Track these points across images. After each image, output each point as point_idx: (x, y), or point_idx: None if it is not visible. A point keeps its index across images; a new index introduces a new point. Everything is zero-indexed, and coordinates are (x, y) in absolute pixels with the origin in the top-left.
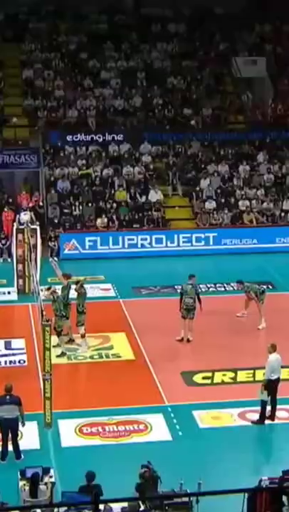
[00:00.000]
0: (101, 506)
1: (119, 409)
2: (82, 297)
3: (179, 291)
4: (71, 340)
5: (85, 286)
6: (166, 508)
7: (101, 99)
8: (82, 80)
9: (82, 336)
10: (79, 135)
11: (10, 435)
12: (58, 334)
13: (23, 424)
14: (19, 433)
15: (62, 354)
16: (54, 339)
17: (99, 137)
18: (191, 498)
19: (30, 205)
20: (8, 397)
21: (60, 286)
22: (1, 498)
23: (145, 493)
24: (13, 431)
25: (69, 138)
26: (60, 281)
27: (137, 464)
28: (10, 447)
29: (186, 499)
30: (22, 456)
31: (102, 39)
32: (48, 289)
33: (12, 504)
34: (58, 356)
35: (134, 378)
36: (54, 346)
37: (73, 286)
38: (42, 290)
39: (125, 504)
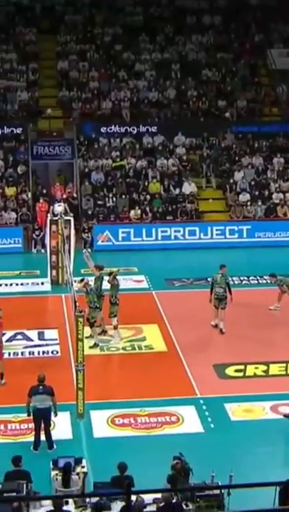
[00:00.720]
0: (133, 497)
1: (151, 401)
2: (115, 288)
3: (209, 280)
4: (104, 332)
5: (118, 277)
6: (198, 500)
7: (135, 91)
8: (117, 72)
9: (115, 327)
10: (113, 127)
11: (42, 425)
12: (91, 325)
13: (56, 415)
14: (52, 423)
15: (95, 345)
16: (87, 330)
17: (133, 129)
18: (223, 491)
19: (64, 196)
20: (41, 387)
21: (92, 278)
22: (33, 488)
23: (176, 485)
24: (45, 421)
25: (103, 129)
26: (92, 273)
27: (169, 455)
28: (42, 437)
29: (217, 491)
30: (54, 446)
31: (137, 31)
32: (81, 281)
33: (44, 493)
34: (90, 347)
35: (167, 370)
36: (87, 337)
37: (106, 278)
38: (75, 281)
39: (157, 495)
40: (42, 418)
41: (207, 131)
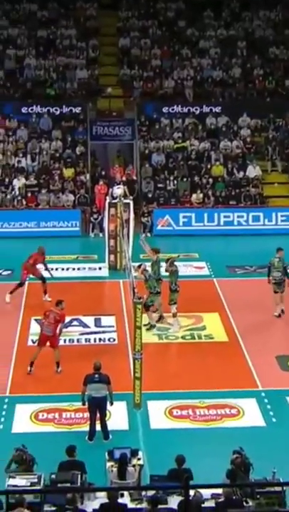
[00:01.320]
0: (190, 492)
1: (211, 393)
2: (174, 275)
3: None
4: (161, 318)
5: (178, 263)
6: (258, 496)
7: (199, 69)
8: (180, 49)
9: (174, 315)
10: (175, 107)
11: (98, 415)
12: (147, 309)
13: (112, 404)
14: (107, 413)
15: (152, 327)
16: (145, 317)
17: (196, 109)
18: (284, 488)
19: (124, 178)
20: (96, 375)
21: (149, 263)
22: (87, 479)
23: (236, 481)
24: (101, 410)
25: (165, 109)
26: (150, 258)
27: (228, 449)
28: (98, 427)
29: (278, 488)
30: (110, 436)
31: (201, 6)
32: (139, 267)
33: (99, 485)
34: (147, 329)
35: (227, 361)
36: (145, 325)
37: (163, 264)
38: (134, 267)
39: (215, 490)
40: (97, 407)
41: (273, 112)
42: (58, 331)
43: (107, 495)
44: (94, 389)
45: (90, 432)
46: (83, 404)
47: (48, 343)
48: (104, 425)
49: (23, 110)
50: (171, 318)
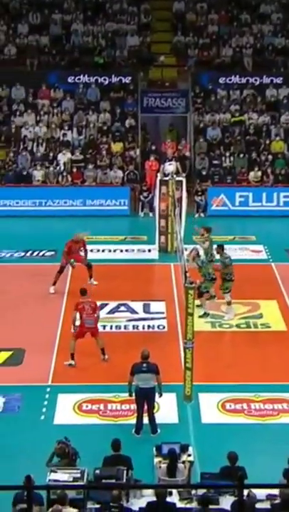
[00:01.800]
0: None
1: (267, 386)
2: (229, 266)
3: None
4: (212, 297)
5: (234, 246)
6: None
7: (259, 37)
8: (239, 14)
9: (229, 303)
10: (233, 77)
11: (145, 407)
12: (200, 295)
13: (160, 395)
14: (155, 405)
15: (205, 315)
16: (197, 302)
17: (255, 80)
18: None
19: (176, 154)
20: (144, 364)
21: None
22: (134, 475)
23: None
24: (149, 402)
25: (221, 80)
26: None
27: (286, 447)
28: (145, 420)
29: None
30: (158, 430)
31: None
32: (190, 253)
33: (146, 482)
34: (200, 317)
35: (285, 352)
36: (197, 306)
37: (214, 246)
38: (186, 249)
39: (270, 491)
40: (145, 399)
41: None
42: (97, 318)
43: (154, 493)
44: (142, 379)
45: (136, 425)
46: (130, 395)
47: (86, 334)
48: (152, 418)
49: (70, 80)
50: (225, 305)
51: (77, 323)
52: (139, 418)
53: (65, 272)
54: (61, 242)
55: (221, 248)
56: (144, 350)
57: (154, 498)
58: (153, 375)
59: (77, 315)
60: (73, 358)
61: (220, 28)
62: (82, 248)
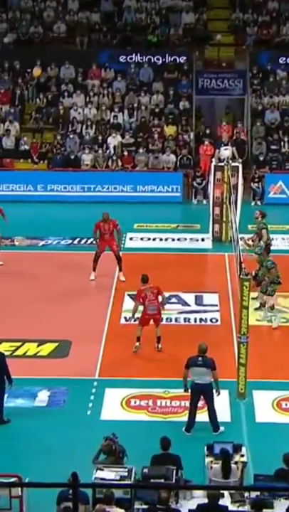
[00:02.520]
0: None
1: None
2: (269, 270)
3: None
4: (272, 308)
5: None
6: None
7: None
8: None
9: (272, 308)
10: None
11: (201, 403)
12: (258, 284)
13: (218, 393)
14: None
15: (261, 306)
16: (252, 295)
17: None
18: None
19: (233, 138)
20: (200, 358)
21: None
22: (184, 475)
23: None
24: (206, 398)
25: (281, 60)
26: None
27: None
28: (202, 418)
29: None
30: (221, 427)
31: None
32: (246, 242)
33: (196, 483)
34: (256, 309)
35: None
36: (253, 298)
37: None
38: (241, 239)
39: None
40: (200, 395)
41: None
42: (161, 305)
43: (206, 494)
44: (196, 373)
45: (188, 423)
46: (185, 390)
47: (151, 322)
48: (212, 415)
49: (121, 59)
50: (267, 311)
51: (137, 315)
52: (191, 415)
53: (115, 263)
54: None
55: (267, 251)
56: (202, 343)
57: (205, 500)
58: (208, 370)
59: (139, 304)
60: (139, 340)
61: (280, 5)
62: (114, 229)
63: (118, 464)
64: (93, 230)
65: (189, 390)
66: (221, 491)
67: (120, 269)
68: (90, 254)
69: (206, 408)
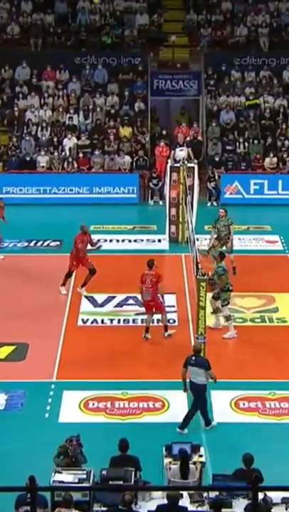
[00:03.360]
0: (259, 495)
1: (283, 383)
2: (220, 276)
3: None
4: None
5: (248, 236)
6: None
7: (276, 15)
8: None
9: (228, 318)
10: (248, 58)
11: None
12: (212, 289)
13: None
14: (165, 403)
15: (215, 312)
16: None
17: (272, 61)
18: None
19: (189, 139)
20: (193, 357)
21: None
22: (143, 476)
23: None
24: (200, 398)
25: (236, 61)
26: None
27: None
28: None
29: None
30: (213, 422)
31: None
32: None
33: (155, 484)
34: (212, 313)
35: None
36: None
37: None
38: (198, 239)
39: (287, 494)
40: (194, 394)
41: None
42: (158, 293)
43: (166, 496)
44: (191, 372)
45: (184, 420)
46: (184, 390)
47: (154, 310)
48: (190, 416)
49: (76, 61)
50: (222, 319)
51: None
52: (189, 413)
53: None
54: (66, 231)
55: (221, 257)
56: (196, 343)
57: (164, 501)
58: (202, 370)
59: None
60: (147, 331)
61: (234, 6)
62: (89, 241)
63: (74, 467)
64: (74, 249)
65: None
66: (180, 492)
67: (84, 284)
68: (47, 256)
69: (164, 408)
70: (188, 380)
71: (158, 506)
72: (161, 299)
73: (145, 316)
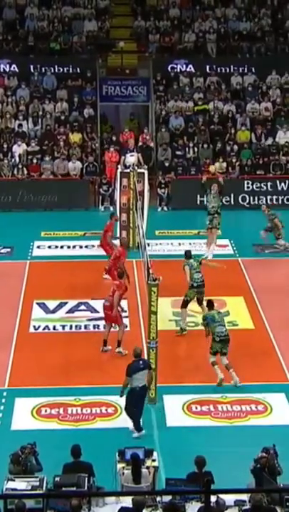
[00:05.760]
0: (212, 498)
1: (234, 387)
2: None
3: None
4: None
5: (199, 241)
6: (288, 504)
7: (223, 21)
8: None
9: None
10: (196, 63)
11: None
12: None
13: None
14: (118, 408)
15: (181, 330)
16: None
17: (219, 67)
18: None
19: (140, 143)
20: (141, 362)
21: None
22: (96, 482)
23: (262, 484)
24: (143, 399)
25: (184, 67)
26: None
27: (254, 450)
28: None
29: None
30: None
31: None
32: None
33: (109, 489)
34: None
35: (253, 350)
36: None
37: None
38: (148, 244)
39: (239, 496)
40: (139, 399)
41: None
42: (114, 302)
43: (132, 502)
44: (139, 378)
45: (137, 423)
46: (121, 396)
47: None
48: (139, 416)
49: (24, 67)
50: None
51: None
52: (137, 415)
53: (22, 271)
54: (17, 238)
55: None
56: (136, 347)
57: (118, 506)
58: (146, 371)
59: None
60: (105, 344)
61: (182, 12)
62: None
63: (25, 474)
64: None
65: (127, 396)
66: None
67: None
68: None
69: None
70: (129, 387)
71: (121, 508)
72: (120, 312)
73: (97, 322)
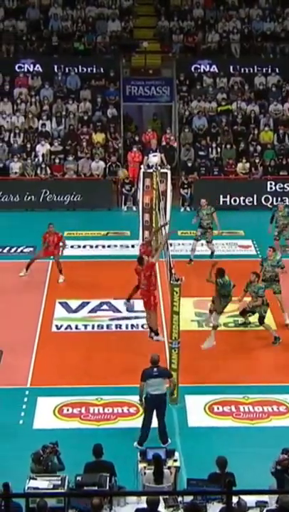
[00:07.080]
0: (234, 499)
1: (257, 387)
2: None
3: None
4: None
5: (221, 241)
6: None
7: (247, 21)
8: None
9: (214, 328)
10: (219, 64)
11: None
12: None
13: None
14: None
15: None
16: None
17: (243, 67)
18: None
19: (163, 144)
20: (155, 369)
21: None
22: (118, 482)
23: (284, 486)
24: (160, 409)
25: (208, 67)
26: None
27: (276, 451)
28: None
29: None
30: (169, 440)
31: None
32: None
33: (130, 489)
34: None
35: (277, 351)
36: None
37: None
38: (171, 245)
39: (260, 497)
40: (156, 406)
41: None
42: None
43: (146, 501)
44: (152, 385)
45: (142, 436)
46: (141, 402)
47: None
48: (162, 426)
49: (48, 67)
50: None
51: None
52: (146, 427)
53: (45, 268)
54: (40, 238)
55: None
56: (154, 354)
57: (139, 506)
58: (165, 380)
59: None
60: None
61: (206, 12)
62: (58, 241)
63: (47, 474)
64: (42, 241)
65: (144, 403)
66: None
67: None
68: (21, 262)
69: (139, 413)
70: (145, 395)
71: (137, 510)
72: (156, 296)
73: (120, 322)
